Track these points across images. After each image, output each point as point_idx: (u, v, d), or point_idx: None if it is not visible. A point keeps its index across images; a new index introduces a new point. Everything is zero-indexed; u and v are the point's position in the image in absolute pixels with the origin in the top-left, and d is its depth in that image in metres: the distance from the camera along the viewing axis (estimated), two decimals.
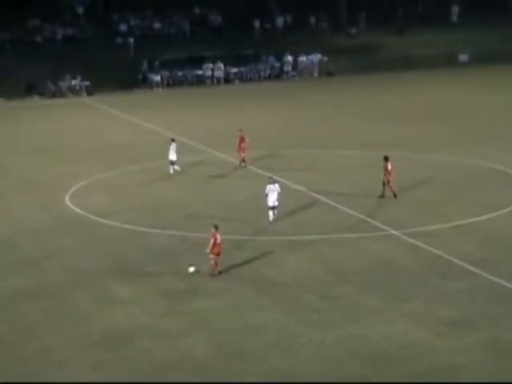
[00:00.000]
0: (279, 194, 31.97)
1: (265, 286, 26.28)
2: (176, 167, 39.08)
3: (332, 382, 20.70)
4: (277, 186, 32.06)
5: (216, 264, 26.83)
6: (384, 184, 34.54)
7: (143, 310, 24.76)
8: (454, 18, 77.82)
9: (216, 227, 26.89)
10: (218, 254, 26.80)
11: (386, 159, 34.72)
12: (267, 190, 31.94)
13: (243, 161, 39.66)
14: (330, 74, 68.49)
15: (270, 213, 31.89)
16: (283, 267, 27.46)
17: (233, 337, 22.96)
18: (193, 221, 32.59)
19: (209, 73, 66.40)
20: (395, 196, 34.52)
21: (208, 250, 26.69)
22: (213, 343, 22.57)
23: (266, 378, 20.89)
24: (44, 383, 20.96)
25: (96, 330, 23.53)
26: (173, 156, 38.87)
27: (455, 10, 77.75)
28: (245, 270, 27.72)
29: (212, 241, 26.71)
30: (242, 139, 39.70)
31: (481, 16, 74.11)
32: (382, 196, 34.66)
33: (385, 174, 34.50)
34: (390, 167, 34.48)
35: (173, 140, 39.27)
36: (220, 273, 26.90)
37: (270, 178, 32.75)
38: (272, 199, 31.77)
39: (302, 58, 68.70)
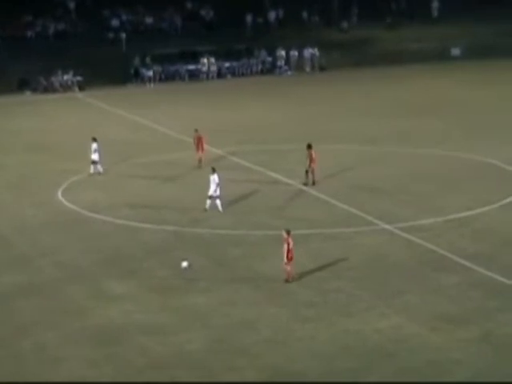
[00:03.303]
0: (217, 184, 32.42)
1: (258, 281, 26.26)
2: (99, 167, 38.51)
3: (326, 377, 20.66)
4: (215, 176, 32.61)
5: (290, 270, 25.79)
6: (307, 172, 35.34)
7: (138, 306, 24.71)
8: (435, 12, 77.68)
9: (288, 232, 25.93)
10: (291, 260, 25.77)
11: (310, 147, 35.45)
12: (210, 180, 32.80)
13: (199, 161, 39.11)
14: (322, 68, 68.45)
15: (208, 201, 32.64)
16: (276, 262, 27.36)
17: (227, 332, 22.94)
18: (186, 216, 32.54)
19: (204, 68, 66.30)
20: (314, 183, 35.39)
21: (285, 260, 25.63)
22: (208, 339, 22.56)
23: (260, 373, 20.89)
24: (39, 382, 20.89)
25: (91, 326, 23.49)
26: (95, 155, 38.36)
27: (435, 4, 77.68)
28: (238, 265, 27.71)
29: (285, 247, 25.74)
30: (199, 139, 39.24)
31: (469, 10, 74.03)
32: (306, 184, 35.39)
33: (311, 162, 35.21)
34: (314, 155, 35.19)
35: (94, 139, 38.62)
36: (290, 280, 25.84)
37: (212, 168, 33.39)
38: (211, 189, 32.50)
39: (294, 53, 68.65)
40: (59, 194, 36.09)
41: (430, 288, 25.41)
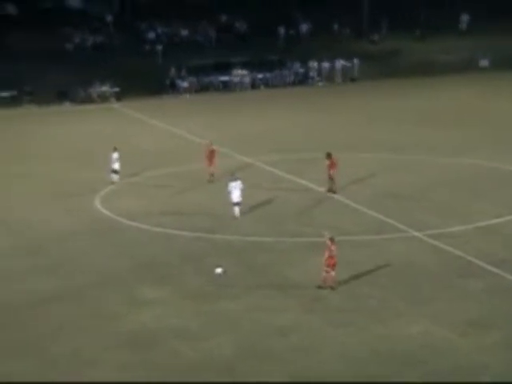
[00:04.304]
0: (242, 191, 32.92)
1: (289, 287, 26.60)
2: (114, 176, 38.88)
3: (356, 382, 21.04)
4: (239, 182, 33.04)
5: (327, 276, 25.90)
6: (332, 179, 35.82)
7: (170, 311, 25.13)
8: (464, 25, 77.57)
9: (332, 239, 26.16)
10: (334, 266, 25.96)
11: (330, 155, 35.96)
12: (230, 188, 33.09)
13: (212, 174, 38.76)
14: (353, 79, 68.83)
15: (236, 209, 32.89)
16: (306, 268, 27.76)
17: (258, 338, 23.28)
18: (218, 223, 32.95)
19: (237, 79, 67.00)
20: (333, 191, 35.80)
21: (324, 266, 25.88)
22: (239, 344, 22.92)
23: (290, 378, 21.22)
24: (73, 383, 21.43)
25: (124, 331, 23.91)
26: (115, 165, 38.83)
27: (465, 18, 77.54)
28: (269, 271, 28.07)
29: (327, 253, 26.02)
30: (211, 152, 38.85)
31: (496, 22, 73.82)
32: (335, 192, 35.88)
33: (334, 169, 35.73)
34: (335, 162, 35.80)
35: (115, 149, 39.13)
36: (332, 288, 26.16)
37: (232, 175, 33.87)
38: (236, 196, 32.89)
39: (325, 64, 69.12)
40: (96, 201, 36.66)
41: (458, 294, 25.68)
